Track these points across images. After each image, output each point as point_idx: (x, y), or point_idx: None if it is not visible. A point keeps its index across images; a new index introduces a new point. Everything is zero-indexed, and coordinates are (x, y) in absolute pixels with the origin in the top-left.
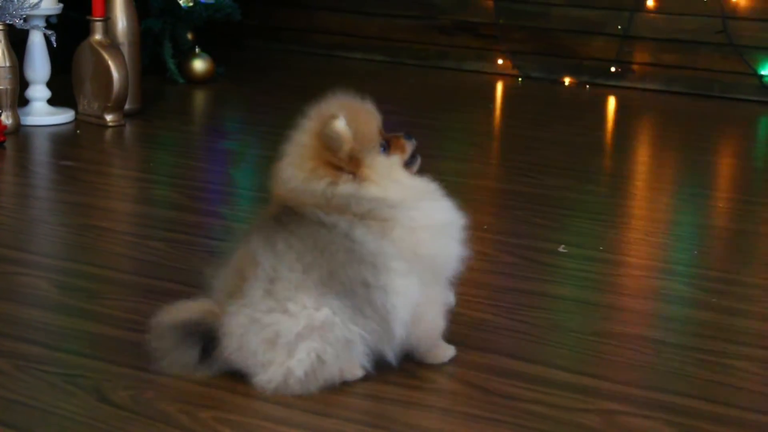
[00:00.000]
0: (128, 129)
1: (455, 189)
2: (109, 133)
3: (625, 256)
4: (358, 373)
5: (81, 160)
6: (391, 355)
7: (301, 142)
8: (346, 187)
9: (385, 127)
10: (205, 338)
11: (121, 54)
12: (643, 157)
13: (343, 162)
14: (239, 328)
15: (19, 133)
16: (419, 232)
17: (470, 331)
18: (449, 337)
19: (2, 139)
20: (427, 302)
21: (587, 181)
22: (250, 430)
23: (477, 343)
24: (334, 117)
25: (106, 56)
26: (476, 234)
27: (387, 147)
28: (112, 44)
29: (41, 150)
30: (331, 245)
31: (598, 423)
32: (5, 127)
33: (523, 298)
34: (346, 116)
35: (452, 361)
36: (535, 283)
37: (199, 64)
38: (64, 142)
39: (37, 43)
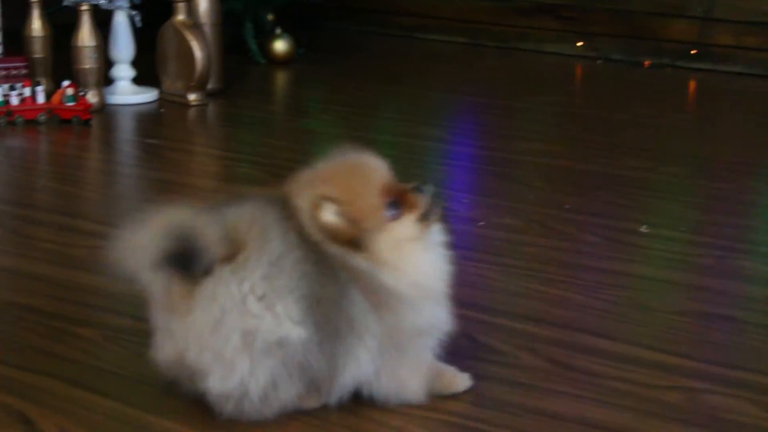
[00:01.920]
0: (211, 108)
1: (535, 169)
2: (192, 112)
3: (707, 237)
4: (313, 402)
5: (164, 138)
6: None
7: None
8: (362, 263)
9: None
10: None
11: (204, 34)
12: (724, 139)
13: (348, 246)
14: (225, 300)
15: (104, 111)
16: (403, 330)
17: (552, 308)
18: (530, 314)
19: (88, 117)
20: (403, 370)
21: (668, 163)
22: None
23: (559, 320)
24: (320, 205)
25: (189, 36)
26: (557, 214)
27: (397, 207)
28: (194, 25)
29: (125, 128)
30: (327, 274)
31: (682, 400)
32: (91, 105)
33: (605, 277)
34: (338, 191)
35: (534, 337)
36: (616, 262)
37: (280, 45)
38: (148, 120)
39: (121, 23)
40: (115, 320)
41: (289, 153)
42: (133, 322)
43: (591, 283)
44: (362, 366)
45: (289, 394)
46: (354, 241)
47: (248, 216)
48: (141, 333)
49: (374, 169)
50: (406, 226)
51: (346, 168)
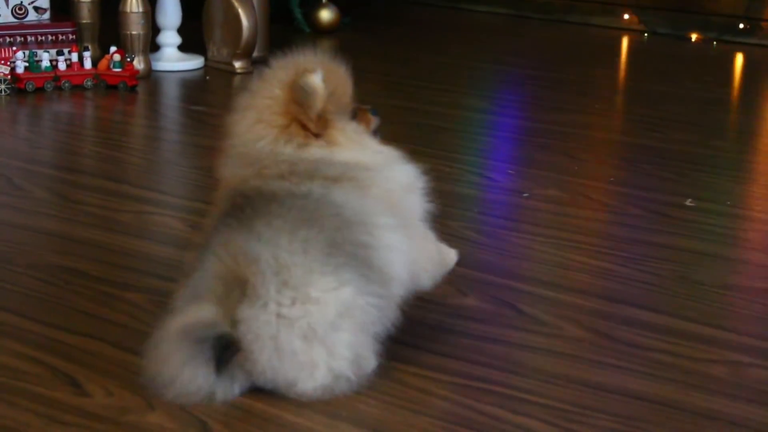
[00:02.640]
0: (256, 76)
1: (580, 141)
2: (237, 79)
3: (753, 211)
4: (373, 362)
5: (210, 106)
6: (388, 329)
7: (269, 94)
8: (316, 150)
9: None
10: (220, 348)
11: (251, 2)
12: None
13: (311, 121)
14: (268, 328)
15: (151, 78)
16: (394, 191)
17: (596, 279)
18: (574, 286)
19: (134, 83)
20: (418, 251)
21: (714, 137)
22: None
23: (603, 292)
24: (310, 70)
25: (236, 4)
26: (602, 186)
27: (354, 116)
28: None
29: (171, 95)
30: (315, 213)
31: (726, 374)
32: (137, 71)
33: (649, 249)
34: (324, 73)
35: (578, 308)
36: (661, 235)
37: (325, 14)
38: (194, 87)
39: None
40: (160, 284)
41: None
42: (178, 287)
43: (635, 256)
44: (402, 248)
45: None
46: (322, 115)
47: (222, 256)
48: None
49: (347, 75)
50: (360, 129)
51: (327, 61)
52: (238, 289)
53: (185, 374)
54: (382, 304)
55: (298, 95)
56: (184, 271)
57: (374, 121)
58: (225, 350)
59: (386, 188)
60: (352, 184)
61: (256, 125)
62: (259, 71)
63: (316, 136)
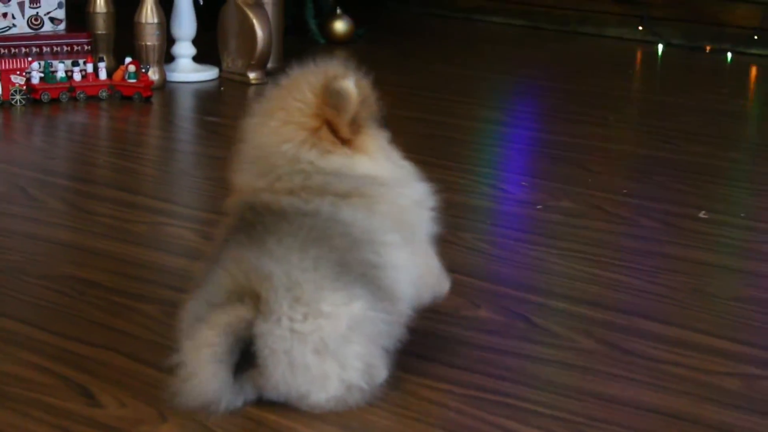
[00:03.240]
0: (274, 85)
1: (594, 153)
2: (252, 90)
3: (767, 223)
4: (384, 373)
5: (224, 116)
6: (396, 344)
7: (300, 97)
8: (337, 159)
9: None
10: (247, 353)
11: (266, 13)
12: None
13: (344, 124)
14: (283, 343)
15: (165, 88)
16: (405, 207)
17: (608, 292)
18: (586, 298)
19: (149, 94)
20: (424, 268)
21: (728, 149)
22: None
23: (615, 304)
24: (343, 75)
25: (250, 15)
26: (615, 198)
27: (384, 124)
28: (256, 3)
29: (186, 105)
30: (324, 233)
31: (739, 387)
32: (152, 82)
33: (662, 261)
34: (354, 80)
35: (590, 320)
36: (674, 247)
37: (340, 25)
38: (208, 98)
39: (183, 0)
40: (174, 296)
41: None
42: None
43: (648, 268)
44: (408, 267)
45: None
46: (355, 119)
47: (232, 270)
48: None
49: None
50: (388, 138)
51: (357, 72)
52: (250, 304)
53: (208, 371)
54: (391, 319)
55: (332, 98)
56: (194, 281)
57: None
58: (248, 357)
59: (397, 204)
60: (362, 201)
61: (283, 127)
62: (276, 81)
63: (347, 141)
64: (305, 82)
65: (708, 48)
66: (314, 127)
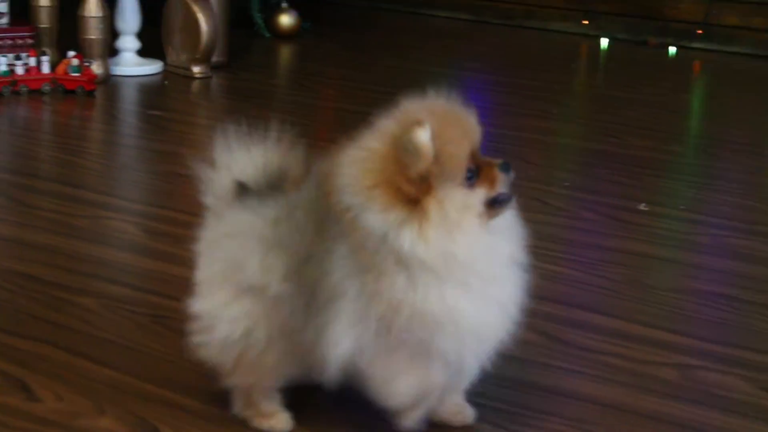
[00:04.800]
0: (215, 81)
1: (536, 145)
2: (196, 84)
3: (706, 216)
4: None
5: (168, 110)
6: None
7: (371, 146)
8: (407, 238)
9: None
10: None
11: (210, 7)
12: (726, 119)
13: (410, 182)
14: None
15: (109, 82)
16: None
17: (548, 283)
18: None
19: (92, 87)
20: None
21: (670, 142)
22: None
23: (554, 295)
24: (418, 123)
25: (195, 9)
26: (557, 190)
27: (474, 175)
28: None
29: (130, 99)
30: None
31: (675, 377)
32: (95, 76)
33: (602, 253)
34: (435, 126)
35: (530, 312)
36: (614, 239)
37: (285, 19)
38: (152, 92)
39: None
40: (114, 289)
41: (291, 126)
42: (132, 292)
43: (588, 260)
44: (339, 334)
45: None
46: (425, 177)
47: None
48: (139, 302)
49: (471, 124)
50: (475, 200)
51: (445, 110)
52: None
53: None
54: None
55: (400, 151)
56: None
57: (503, 181)
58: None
59: (398, 298)
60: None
61: (347, 173)
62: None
63: (414, 201)
64: (384, 130)
65: (652, 42)
66: (374, 183)
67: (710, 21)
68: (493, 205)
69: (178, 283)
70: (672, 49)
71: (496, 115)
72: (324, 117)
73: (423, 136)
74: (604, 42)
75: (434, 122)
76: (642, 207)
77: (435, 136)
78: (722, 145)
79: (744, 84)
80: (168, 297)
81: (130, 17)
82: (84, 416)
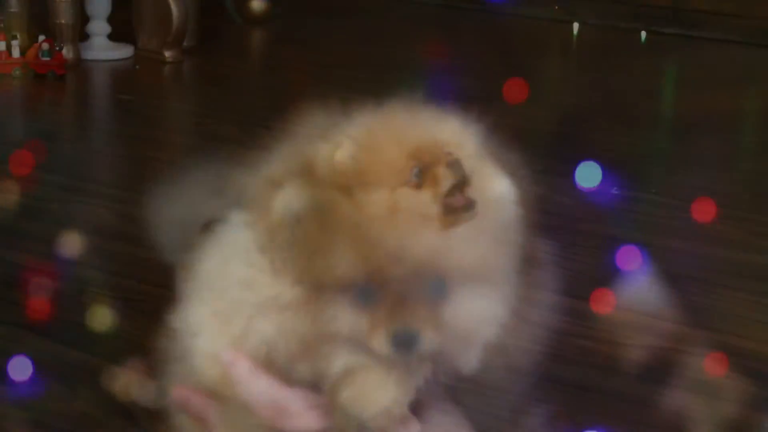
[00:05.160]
0: (186, 65)
1: (506, 131)
2: (167, 68)
3: (679, 200)
4: None
5: (139, 95)
6: None
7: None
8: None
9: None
10: None
11: None
12: (699, 105)
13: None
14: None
15: (79, 67)
16: None
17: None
18: None
19: (62, 72)
20: None
21: (641, 127)
22: None
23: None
24: (340, 143)
25: None
26: (529, 175)
27: (419, 177)
28: None
29: (101, 84)
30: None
31: (646, 358)
32: (66, 60)
33: (575, 237)
34: (364, 136)
35: None
36: (587, 223)
37: (256, 4)
38: (123, 76)
39: None
40: (84, 273)
41: (262, 111)
42: (108, 276)
43: (561, 244)
44: None
45: None
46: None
47: None
48: (115, 287)
49: (416, 126)
50: (418, 198)
51: (386, 121)
52: None
53: None
54: None
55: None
56: None
57: (449, 176)
58: None
59: None
60: None
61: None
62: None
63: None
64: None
65: (622, 27)
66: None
67: (681, 6)
68: (450, 208)
69: (150, 267)
70: (643, 34)
71: (463, 100)
72: (293, 101)
73: (342, 154)
74: (575, 27)
75: (368, 131)
76: (614, 191)
77: (361, 147)
78: (694, 130)
79: (715, 69)
80: (142, 281)
81: (100, 1)
82: (57, 400)
